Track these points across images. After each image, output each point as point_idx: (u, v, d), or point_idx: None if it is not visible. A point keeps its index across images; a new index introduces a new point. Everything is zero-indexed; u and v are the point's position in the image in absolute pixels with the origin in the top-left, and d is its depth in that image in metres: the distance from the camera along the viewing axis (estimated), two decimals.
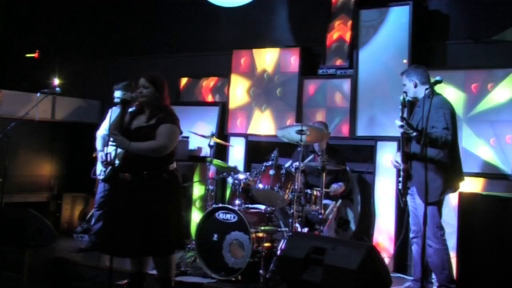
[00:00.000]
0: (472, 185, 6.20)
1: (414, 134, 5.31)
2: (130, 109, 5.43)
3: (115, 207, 5.22)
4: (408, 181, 5.56)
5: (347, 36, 7.52)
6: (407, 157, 5.53)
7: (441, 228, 5.52)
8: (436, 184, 5.38)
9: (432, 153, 5.41)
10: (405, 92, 5.65)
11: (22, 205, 7.52)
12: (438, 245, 5.46)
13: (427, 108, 5.03)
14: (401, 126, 5.26)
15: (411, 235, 5.79)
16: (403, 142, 5.54)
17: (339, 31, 7.62)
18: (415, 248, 5.74)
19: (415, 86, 5.65)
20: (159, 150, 5.13)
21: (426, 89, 5.41)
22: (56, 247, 6.86)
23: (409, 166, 5.52)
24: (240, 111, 8.19)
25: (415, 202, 5.63)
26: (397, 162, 5.70)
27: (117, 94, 6.93)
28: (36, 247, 6.54)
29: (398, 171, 5.74)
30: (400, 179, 5.60)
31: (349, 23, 7.50)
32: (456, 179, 5.58)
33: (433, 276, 5.82)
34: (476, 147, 6.38)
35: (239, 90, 8.23)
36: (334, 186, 6.70)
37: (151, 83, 5.24)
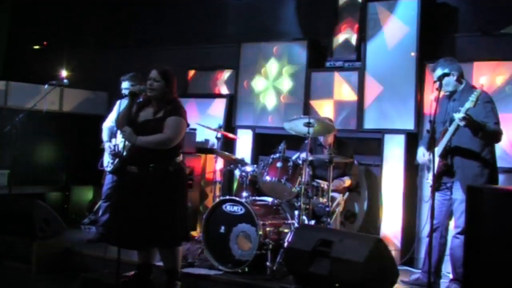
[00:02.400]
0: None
1: (473, 128, 5.22)
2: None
3: (122, 199, 5.24)
4: (447, 176, 5.49)
5: (355, 29, 7.51)
6: (447, 152, 5.46)
7: None
8: (480, 181, 5.35)
9: (477, 149, 5.39)
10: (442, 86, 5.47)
11: (30, 196, 7.54)
12: None
13: (468, 103, 5.13)
14: (464, 118, 5.15)
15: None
16: (449, 137, 5.44)
17: (347, 24, 7.61)
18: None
19: (457, 79, 5.56)
20: (166, 143, 5.14)
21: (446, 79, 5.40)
22: (63, 239, 6.87)
23: (449, 161, 5.46)
24: (248, 103, 8.19)
25: (451, 197, 5.59)
26: (425, 157, 5.66)
27: (124, 85, 6.93)
28: (44, 238, 6.54)
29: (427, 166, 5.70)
30: (430, 173, 5.54)
31: (357, 15, 7.49)
32: (496, 175, 5.53)
33: (443, 269, 5.82)
34: None
35: (246, 83, 8.23)
36: (336, 181, 6.67)
37: (163, 77, 5.23)
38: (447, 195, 5.58)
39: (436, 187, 5.51)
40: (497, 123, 5.37)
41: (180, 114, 5.23)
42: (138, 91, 5.35)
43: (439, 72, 5.55)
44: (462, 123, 5.16)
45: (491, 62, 6.49)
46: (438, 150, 5.45)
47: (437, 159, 5.44)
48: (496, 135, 5.38)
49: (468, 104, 5.11)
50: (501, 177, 6.00)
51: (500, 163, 5.71)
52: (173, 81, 5.31)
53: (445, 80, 5.46)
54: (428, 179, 5.66)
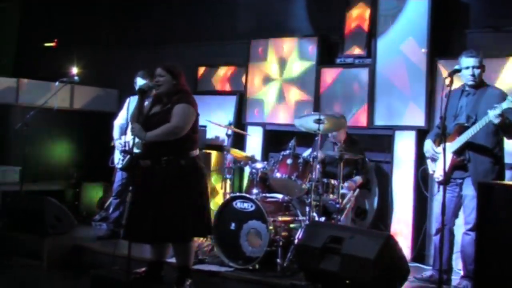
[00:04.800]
0: None
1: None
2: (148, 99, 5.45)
3: (136, 194, 5.26)
4: (459, 171, 5.46)
5: (366, 25, 7.49)
6: (464, 148, 5.41)
7: None
8: (491, 177, 5.32)
9: (490, 145, 5.36)
10: (472, 76, 5.47)
11: (41, 193, 7.58)
12: None
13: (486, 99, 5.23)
14: (500, 116, 5.07)
15: (438, 224, 5.72)
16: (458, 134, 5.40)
17: (358, 20, 7.59)
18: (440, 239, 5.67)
19: (480, 75, 5.50)
20: (174, 131, 5.12)
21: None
22: (74, 235, 6.92)
23: (466, 156, 5.40)
24: (258, 100, 8.18)
25: (461, 194, 5.56)
26: (435, 151, 5.63)
27: (139, 81, 6.92)
28: (55, 235, 6.61)
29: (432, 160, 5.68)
30: (436, 165, 5.50)
31: (368, 11, 7.47)
32: (504, 172, 5.50)
33: (454, 266, 5.80)
34: None
35: (256, 79, 8.22)
36: (348, 182, 6.63)
37: (167, 71, 5.25)
38: (455, 192, 5.55)
39: (444, 183, 5.51)
40: None
41: (187, 102, 5.21)
42: (146, 88, 5.36)
43: (475, 61, 5.48)
44: (496, 121, 5.10)
45: (503, 58, 6.45)
46: (454, 145, 5.42)
47: (450, 155, 5.42)
48: None
49: (507, 104, 5.04)
50: (509, 174, 5.99)
51: (508, 159, 5.70)
52: (179, 74, 5.31)
53: (473, 70, 5.44)
54: (434, 172, 5.63)
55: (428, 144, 5.72)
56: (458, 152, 5.40)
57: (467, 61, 5.48)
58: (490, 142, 5.37)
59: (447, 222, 5.45)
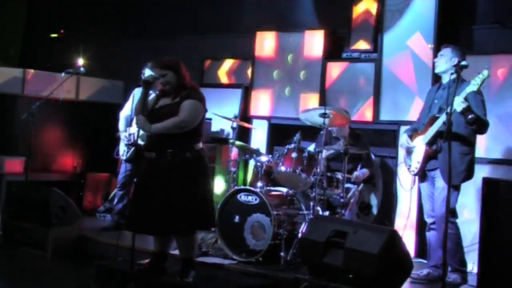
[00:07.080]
0: (496, 172, 6.15)
1: (470, 116, 5.16)
2: (153, 91, 5.44)
3: (140, 185, 5.27)
4: (432, 160, 5.48)
5: (372, 20, 7.47)
6: (435, 138, 5.42)
7: (455, 213, 5.50)
8: (460, 168, 5.35)
9: (463, 135, 5.36)
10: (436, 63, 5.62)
11: (46, 183, 7.59)
12: (452, 230, 5.36)
13: (459, 92, 5.12)
14: (464, 101, 5.09)
15: (429, 220, 5.73)
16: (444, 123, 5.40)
17: (364, 15, 7.57)
18: (433, 234, 5.67)
19: (455, 65, 5.41)
20: (180, 125, 5.10)
21: (452, 73, 5.32)
22: (79, 226, 6.94)
23: (438, 145, 5.41)
24: (263, 93, 8.18)
25: (435, 186, 5.57)
26: (409, 145, 5.66)
27: (147, 72, 6.91)
28: (59, 226, 6.63)
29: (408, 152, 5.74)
30: (419, 160, 5.54)
31: (375, 6, 7.45)
32: (474, 164, 5.52)
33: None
34: (500, 133, 6.31)
35: (262, 73, 8.21)
36: (356, 173, 6.64)
37: (167, 68, 5.24)
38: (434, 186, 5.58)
39: (421, 175, 5.63)
40: (486, 115, 5.36)
41: (196, 98, 5.21)
42: (151, 79, 5.34)
43: (447, 52, 5.54)
44: (460, 107, 5.09)
45: (510, 55, 6.43)
46: (426, 136, 5.47)
47: (423, 146, 5.48)
48: (486, 126, 5.36)
49: (471, 88, 5.06)
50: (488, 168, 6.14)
51: (503, 155, 5.71)
52: (178, 66, 5.28)
53: (442, 58, 5.54)
54: (410, 166, 5.68)
55: (403, 138, 5.80)
56: (430, 143, 5.44)
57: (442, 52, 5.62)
58: (462, 132, 5.36)
59: (439, 216, 5.45)
